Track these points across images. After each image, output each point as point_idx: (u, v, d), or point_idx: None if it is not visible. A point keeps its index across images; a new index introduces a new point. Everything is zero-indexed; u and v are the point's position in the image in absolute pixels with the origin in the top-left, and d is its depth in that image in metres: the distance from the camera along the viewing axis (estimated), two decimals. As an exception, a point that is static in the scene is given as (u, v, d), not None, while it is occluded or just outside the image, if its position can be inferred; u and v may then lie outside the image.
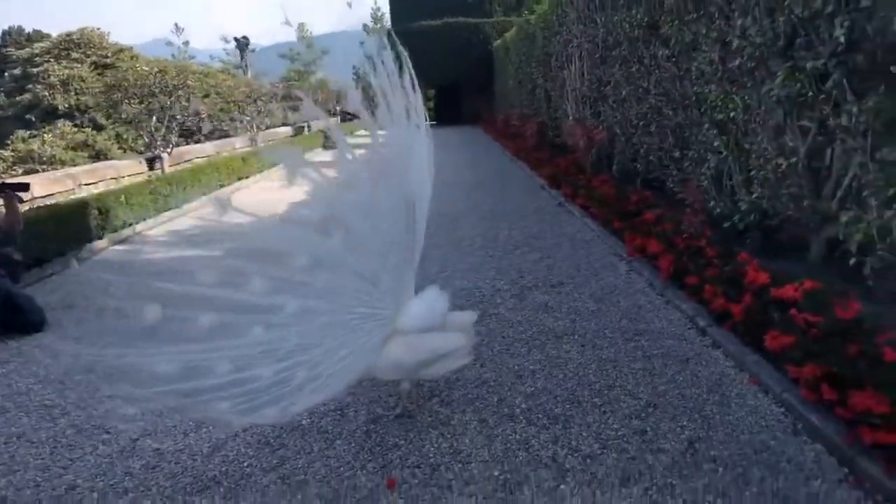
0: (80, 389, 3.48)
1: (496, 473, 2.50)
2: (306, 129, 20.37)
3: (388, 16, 31.49)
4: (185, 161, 11.18)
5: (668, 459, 2.54)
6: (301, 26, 40.46)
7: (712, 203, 5.64)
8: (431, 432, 2.83)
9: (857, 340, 2.99)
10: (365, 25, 40.04)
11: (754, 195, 5.12)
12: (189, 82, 10.40)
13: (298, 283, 2.48)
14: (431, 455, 2.65)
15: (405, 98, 2.82)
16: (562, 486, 2.40)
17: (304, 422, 2.96)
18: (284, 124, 21.05)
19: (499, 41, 22.39)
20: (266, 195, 10.55)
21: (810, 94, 4.24)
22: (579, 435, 2.75)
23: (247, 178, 11.61)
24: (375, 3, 40.62)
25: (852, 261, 3.94)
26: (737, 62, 5.12)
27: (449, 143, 18.79)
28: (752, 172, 5.11)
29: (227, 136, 15.28)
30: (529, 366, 3.44)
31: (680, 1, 6.28)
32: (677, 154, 6.70)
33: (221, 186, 10.38)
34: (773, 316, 3.47)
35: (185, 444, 2.86)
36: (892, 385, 2.54)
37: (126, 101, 9.71)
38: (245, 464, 2.67)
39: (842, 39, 3.86)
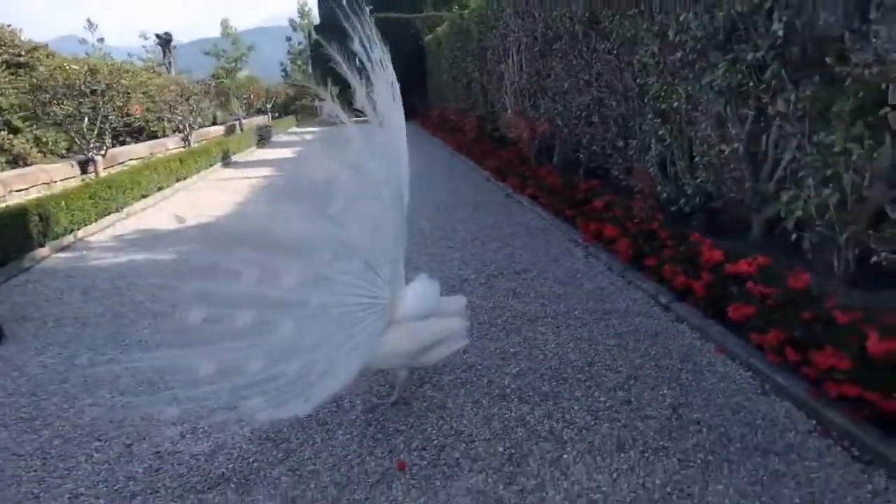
0: (58, 399, 3.40)
1: (500, 449, 2.63)
2: (238, 127, 19.96)
3: (315, 11, 31.18)
4: (120, 163, 10.81)
5: (656, 425, 2.74)
6: (224, 22, 39.48)
7: (659, 188, 5.94)
8: (430, 416, 2.93)
9: (809, 307, 3.28)
10: (291, 21, 39.46)
11: (699, 180, 5.44)
12: (123, 81, 10.04)
13: (323, 276, 2.54)
14: (434, 437, 2.75)
15: (390, 91, 2.90)
16: (564, 456, 2.55)
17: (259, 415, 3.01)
18: (214, 123, 20.54)
19: (431, 36, 22.50)
20: (209, 195, 10.39)
21: (751, 84, 4.55)
22: (571, 409, 2.91)
23: (185, 179, 11.33)
24: (303, -3, 39.97)
25: (793, 237, 4.26)
26: (678, 55, 5.41)
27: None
28: (697, 159, 5.43)
29: (155, 136, 14.83)
30: (510, 348, 3.60)
31: (619, -3, 6.57)
32: (621, 143, 7.00)
33: (160, 189, 10.10)
34: (732, 290, 3.75)
35: (183, 445, 2.86)
36: (848, 344, 2.81)
37: (55, 102, 9.28)
38: (251, 459, 2.70)
39: (780, 33, 4.17)
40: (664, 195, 5.87)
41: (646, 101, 6.19)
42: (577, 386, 3.13)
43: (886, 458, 2.36)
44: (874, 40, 3.69)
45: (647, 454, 2.53)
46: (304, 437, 2.83)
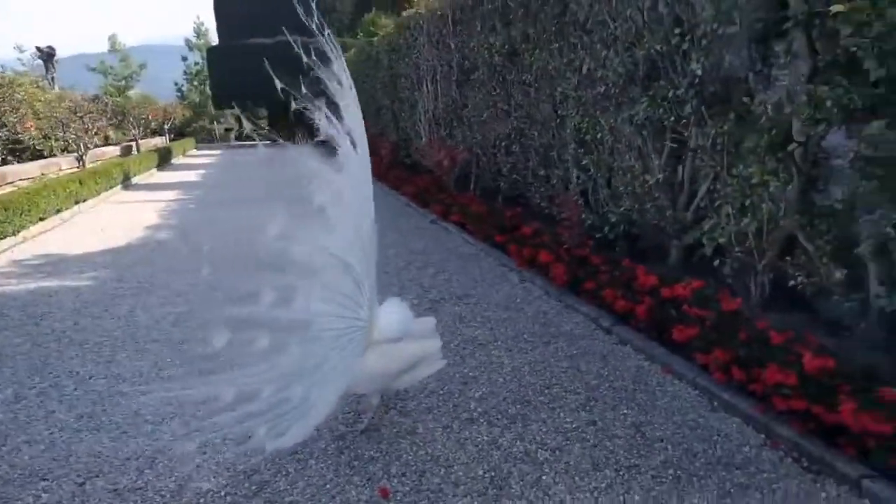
0: (-19, 441, 3.10)
1: (480, 473, 2.65)
2: (135, 148, 18.98)
3: (214, 31, 30.37)
4: (8, 183, 9.99)
5: (623, 443, 2.86)
6: (112, 38, 37.58)
7: (583, 216, 6.22)
8: (402, 442, 2.92)
9: (744, 328, 3.55)
10: (187, 40, 38.12)
11: (622, 208, 5.75)
12: (17, 95, 9.33)
13: (329, 296, 2.50)
14: (412, 463, 2.74)
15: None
16: (543, 477, 2.61)
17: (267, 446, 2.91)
18: (107, 143, 19.43)
19: (336, 61, 22.43)
20: (114, 219, 9.79)
21: (672, 118, 4.89)
22: (540, 430, 2.99)
23: (84, 201, 10.63)
24: (198, 17, 38.76)
25: (716, 262, 4.59)
26: (602, 89, 5.74)
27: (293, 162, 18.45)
28: (621, 188, 5.74)
29: (41, 155, 13.84)
30: (469, 372, 3.64)
31: (540, 32, 6.88)
32: (542, 172, 7.27)
33: (59, 211, 9.43)
34: (671, 312, 3.98)
35: (143, 481, 2.68)
36: (786, 361, 3.07)
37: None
38: (222, 493, 2.57)
39: (699, 72, 4.53)
40: (588, 222, 6.15)
41: (568, 131, 6.49)
42: (541, 408, 3.21)
43: (834, 468, 2.58)
44: (776, 83, 4.13)
45: (621, 472, 2.64)
46: (276, 468, 2.73)
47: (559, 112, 6.74)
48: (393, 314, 2.85)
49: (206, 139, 31.56)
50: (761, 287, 4.23)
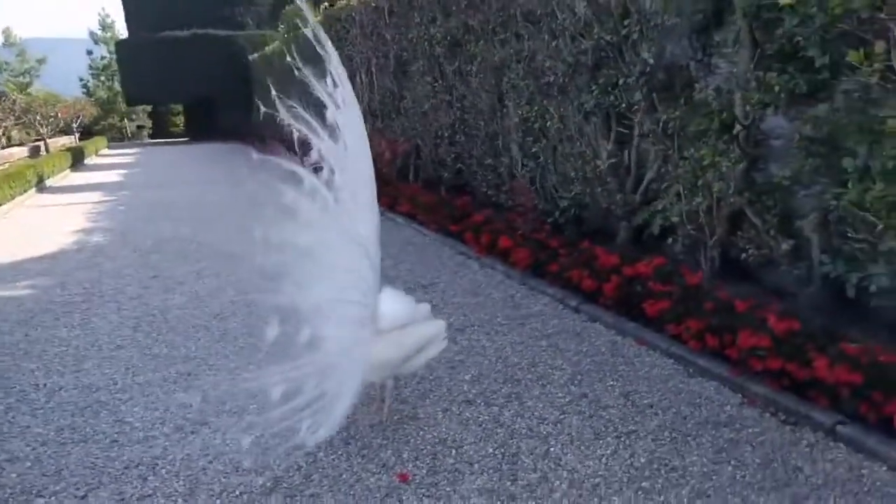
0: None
1: (490, 450, 2.75)
2: (43, 148, 17.89)
3: (121, 23, 28.91)
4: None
5: (617, 412, 3.02)
6: (7, 31, 35.13)
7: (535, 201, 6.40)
8: (406, 427, 2.97)
9: (709, 299, 3.80)
10: (92, 33, 36.07)
11: (574, 193, 5.96)
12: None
13: (364, 282, 2.55)
14: (422, 446, 2.81)
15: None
16: (551, 449, 2.74)
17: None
18: (11, 144, 18.25)
19: (258, 54, 21.88)
20: (36, 224, 9.25)
21: (623, 105, 5.12)
22: (536, 406, 3.11)
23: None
24: (104, 9, 36.72)
25: (669, 240, 4.84)
26: (550, 78, 5.91)
27: (220, 160, 17.97)
28: (572, 174, 5.94)
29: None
30: (454, 357, 3.72)
31: (484, 23, 6.99)
32: (489, 161, 7.41)
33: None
34: (637, 289, 4.20)
35: (150, 488, 2.62)
36: (755, 326, 3.32)
37: None
38: (237, 493, 2.56)
39: (651, 60, 4.76)
40: (539, 207, 6.33)
41: (516, 120, 6.64)
42: (531, 385, 3.34)
43: (810, 418, 2.83)
44: (717, 70, 4.41)
45: (621, 438, 2.80)
46: (287, 464, 2.73)
47: (505, 101, 6.88)
48: (397, 301, 2.91)
49: (117, 137, 30.12)
50: (711, 261, 4.50)
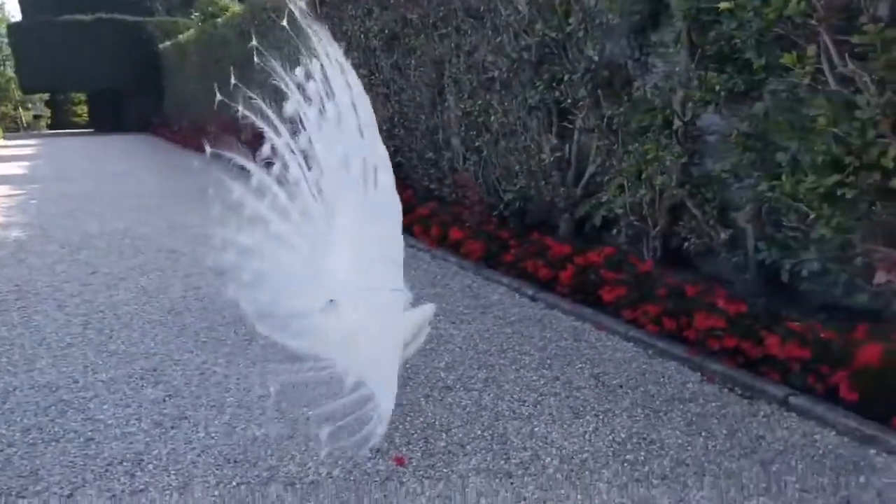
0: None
1: (479, 432, 2.86)
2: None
3: (12, 5, 26.91)
4: None
5: (591, 393, 3.20)
6: None
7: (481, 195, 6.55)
8: (393, 413, 3.03)
9: (660, 285, 4.05)
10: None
11: (518, 186, 6.14)
12: None
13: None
14: (412, 431, 2.88)
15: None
16: (536, 429, 2.88)
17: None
18: None
19: (170, 43, 20.98)
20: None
21: (568, 100, 5.33)
22: (514, 389, 3.25)
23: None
24: (-8, -12, 34.05)
25: (614, 231, 5.11)
26: (494, 73, 6.06)
27: (131, 151, 17.14)
28: (517, 167, 6.12)
29: None
30: (425, 345, 3.73)
31: (424, 17, 7.05)
32: (430, 155, 7.50)
33: None
34: (591, 276, 4.41)
35: (141, 483, 2.55)
36: (707, 310, 3.58)
37: None
38: (234, 483, 2.55)
39: (595, 58, 4.99)
40: (483, 201, 6.49)
41: (459, 114, 6.76)
42: (506, 370, 3.47)
43: (764, 391, 3.11)
44: (654, 69, 4.70)
45: (599, 416, 2.97)
46: (279, 453, 2.73)
47: (445, 96, 6.98)
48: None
49: (11, 128, 28.11)
50: (654, 251, 4.78)
